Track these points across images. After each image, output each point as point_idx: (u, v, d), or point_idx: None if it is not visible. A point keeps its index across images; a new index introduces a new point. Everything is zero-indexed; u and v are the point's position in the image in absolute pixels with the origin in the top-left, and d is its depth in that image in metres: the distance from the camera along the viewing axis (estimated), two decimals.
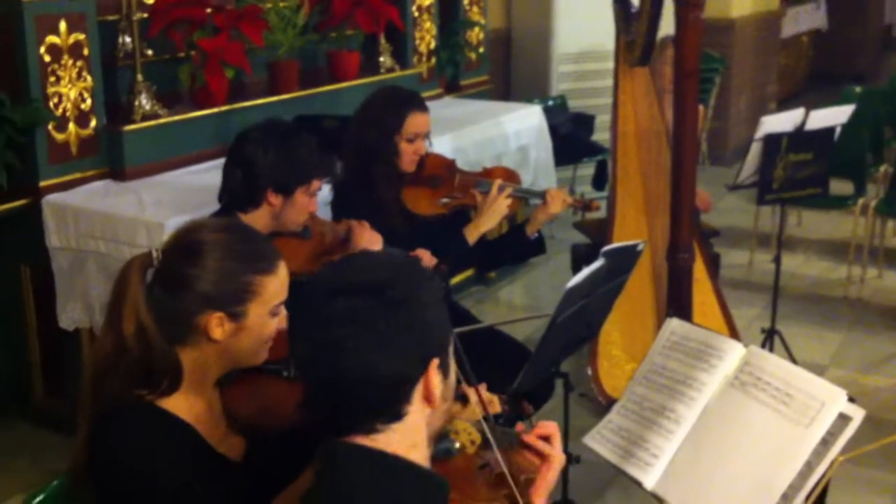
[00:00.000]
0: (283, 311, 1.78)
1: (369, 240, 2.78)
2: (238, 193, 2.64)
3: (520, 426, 1.81)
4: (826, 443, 1.75)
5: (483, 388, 1.76)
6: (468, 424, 1.66)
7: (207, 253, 1.70)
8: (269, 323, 1.74)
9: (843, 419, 1.75)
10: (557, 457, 1.66)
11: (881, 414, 3.90)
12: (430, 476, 1.41)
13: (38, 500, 1.88)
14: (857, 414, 1.75)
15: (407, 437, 1.38)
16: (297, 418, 1.81)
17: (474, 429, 1.65)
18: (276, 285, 1.74)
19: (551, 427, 1.69)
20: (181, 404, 1.70)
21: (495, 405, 1.88)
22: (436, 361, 1.38)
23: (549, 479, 1.65)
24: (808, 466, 1.74)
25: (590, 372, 3.83)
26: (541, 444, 1.68)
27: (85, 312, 3.60)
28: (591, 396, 3.80)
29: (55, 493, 1.89)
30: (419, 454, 1.40)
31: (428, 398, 1.39)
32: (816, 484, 1.73)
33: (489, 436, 1.61)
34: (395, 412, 1.37)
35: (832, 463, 1.73)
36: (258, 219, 2.60)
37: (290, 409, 1.82)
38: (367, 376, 1.33)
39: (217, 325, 1.69)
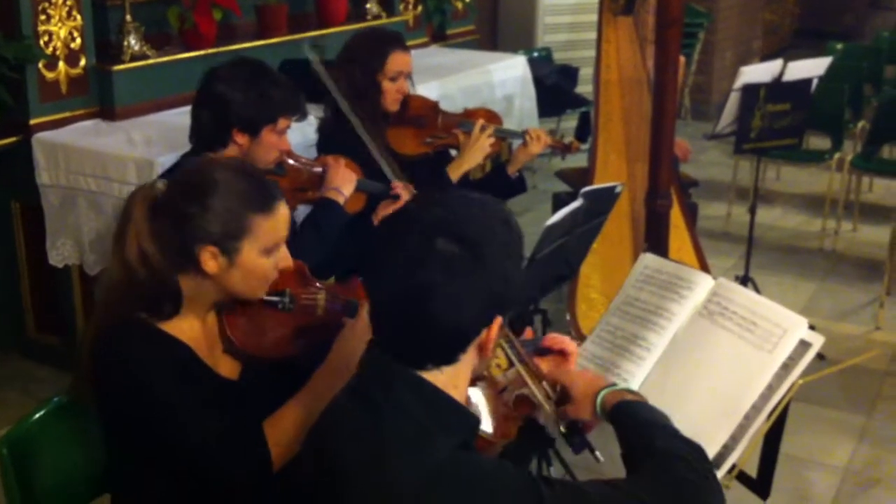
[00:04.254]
0: (284, 252, 1.84)
1: (343, 177, 2.82)
2: (205, 133, 2.62)
3: (529, 332, 1.91)
4: (787, 367, 1.83)
5: None
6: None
7: (209, 189, 1.75)
8: (262, 261, 1.79)
9: (804, 345, 1.84)
10: (575, 350, 1.82)
11: (850, 359, 4.03)
12: (466, 411, 1.45)
13: (38, 416, 1.96)
14: (817, 340, 1.84)
15: (452, 379, 1.41)
16: (291, 349, 1.89)
17: (500, 352, 1.68)
18: (270, 225, 1.79)
19: (557, 340, 1.84)
20: (180, 326, 1.78)
21: None
22: (500, 319, 1.41)
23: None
24: (770, 389, 1.83)
25: (568, 316, 3.93)
26: (558, 341, 1.83)
27: (75, 249, 3.67)
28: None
29: (55, 409, 1.97)
30: (458, 395, 1.43)
31: (483, 348, 1.42)
32: (777, 405, 1.83)
33: (511, 356, 1.65)
34: (450, 357, 1.41)
35: (792, 386, 1.83)
36: None
37: (284, 339, 1.89)
38: (442, 325, 1.36)
39: (210, 258, 1.75)
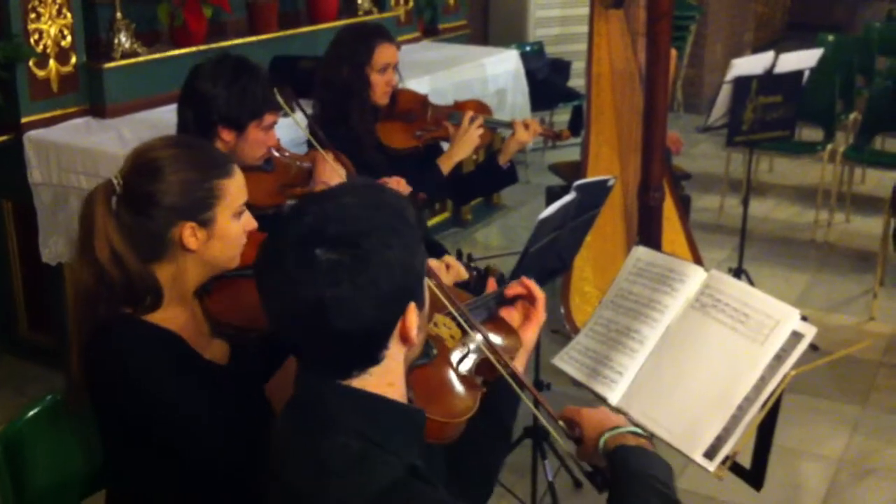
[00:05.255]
0: (248, 215, 1.86)
1: (331, 172, 2.80)
2: (190, 131, 2.58)
3: (492, 281, 1.89)
4: (779, 358, 1.83)
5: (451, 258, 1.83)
6: (447, 318, 1.67)
7: (166, 168, 1.75)
8: (235, 225, 1.81)
9: (796, 336, 1.84)
10: (541, 297, 1.80)
11: (843, 350, 4.03)
12: (405, 409, 1.41)
13: (31, 414, 1.96)
14: (809, 331, 1.84)
15: (383, 378, 1.37)
16: None
17: (453, 322, 1.65)
18: (235, 186, 1.81)
19: (522, 284, 1.82)
20: (166, 316, 1.78)
21: (461, 273, 1.96)
22: (412, 305, 1.35)
23: (535, 329, 1.81)
24: (763, 381, 1.83)
25: (562, 309, 3.94)
26: (521, 289, 1.81)
27: (67, 247, 3.65)
28: (564, 332, 3.90)
29: (48, 407, 1.97)
30: (395, 391, 1.39)
31: (405, 338, 1.37)
32: (769, 397, 1.83)
33: (463, 324, 1.63)
34: (372, 359, 1.36)
35: (784, 377, 1.83)
36: None
37: None
38: (349, 333, 1.30)
39: (190, 235, 1.76)
